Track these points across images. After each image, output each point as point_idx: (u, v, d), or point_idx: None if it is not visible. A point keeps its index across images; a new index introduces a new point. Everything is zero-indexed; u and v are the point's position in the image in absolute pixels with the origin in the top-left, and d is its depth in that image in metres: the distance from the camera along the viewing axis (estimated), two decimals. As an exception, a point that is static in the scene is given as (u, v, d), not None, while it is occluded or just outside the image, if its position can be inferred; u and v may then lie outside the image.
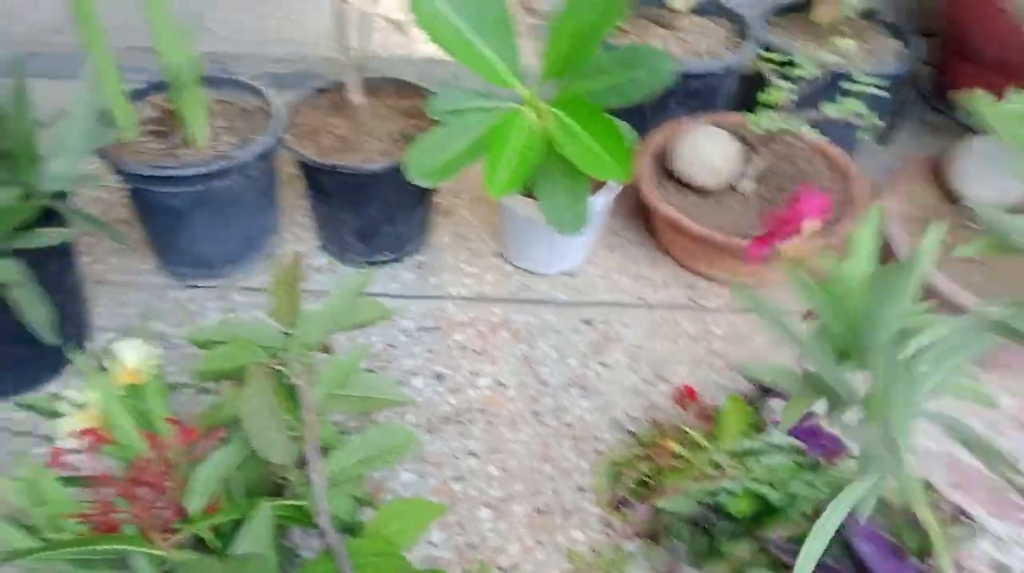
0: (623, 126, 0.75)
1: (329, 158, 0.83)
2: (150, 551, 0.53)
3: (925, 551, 0.60)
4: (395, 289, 0.93)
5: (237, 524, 0.58)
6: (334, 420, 0.80)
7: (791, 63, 0.85)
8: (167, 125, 0.85)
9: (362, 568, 0.59)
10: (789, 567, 0.54)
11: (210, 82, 0.89)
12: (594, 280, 0.98)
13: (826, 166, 1.02)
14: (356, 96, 0.89)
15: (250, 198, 0.87)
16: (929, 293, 0.85)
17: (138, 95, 0.87)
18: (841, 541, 0.60)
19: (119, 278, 0.93)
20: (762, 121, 0.87)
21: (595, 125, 0.69)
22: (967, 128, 1.07)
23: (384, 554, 0.61)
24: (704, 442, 0.70)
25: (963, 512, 0.69)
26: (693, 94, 1.02)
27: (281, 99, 0.90)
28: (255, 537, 0.56)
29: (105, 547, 0.52)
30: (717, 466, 0.66)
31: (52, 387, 0.80)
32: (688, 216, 0.90)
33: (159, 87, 0.88)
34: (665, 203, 0.92)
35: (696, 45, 1.07)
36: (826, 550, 0.55)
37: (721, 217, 0.94)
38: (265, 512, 0.57)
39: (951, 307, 0.82)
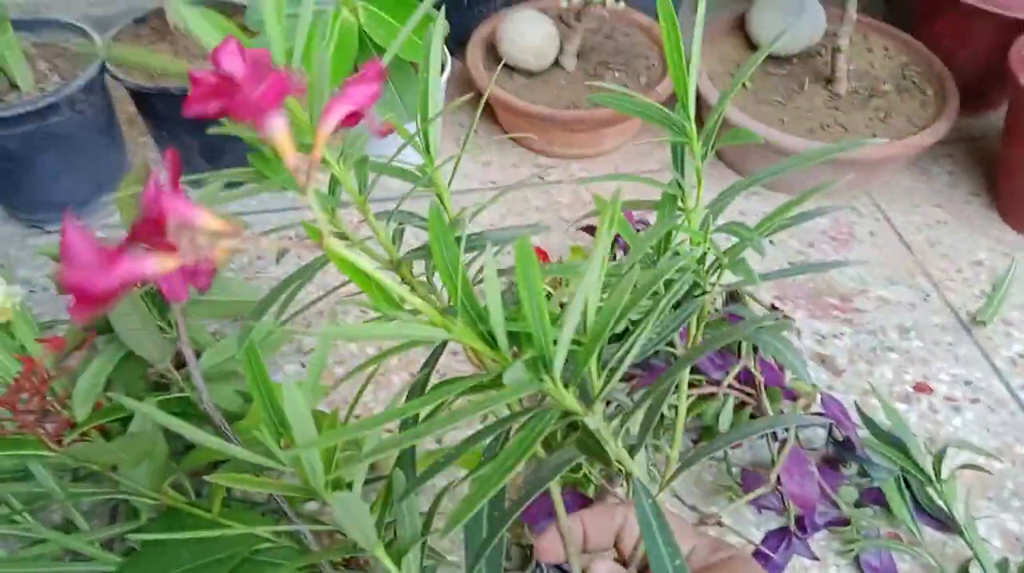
0: (431, 11, 0.80)
1: (158, 82, 0.84)
2: (46, 453, 0.58)
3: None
4: (254, 205, 0.97)
5: (125, 424, 0.63)
6: (211, 329, 0.84)
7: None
8: (-11, 73, 0.84)
9: (250, 445, 0.65)
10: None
11: (26, 26, 0.88)
12: (445, 171, 1.04)
13: (645, 37, 1.10)
14: (175, 20, 0.90)
15: (90, 138, 0.88)
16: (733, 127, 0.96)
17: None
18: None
19: (-27, 237, 0.93)
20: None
21: (404, 14, 0.74)
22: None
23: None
24: (551, 290, 0.78)
25: (775, 307, 0.80)
26: (509, -18, 1.07)
27: (104, 37, 0.90)
28: (142, 426, 0.61)
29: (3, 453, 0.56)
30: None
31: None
32: (517, 96, 0.97)
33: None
34: (496, 86, 0.98)
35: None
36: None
37: (548, 94, 1.01)
38: (148, 404, 0.62)
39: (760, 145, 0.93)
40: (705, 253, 0.46)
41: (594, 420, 0.34)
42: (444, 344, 0.45)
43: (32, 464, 0.60)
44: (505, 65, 1.03)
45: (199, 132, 0.90)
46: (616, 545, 0.43)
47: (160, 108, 0.88)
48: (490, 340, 0.31)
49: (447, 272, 0.32)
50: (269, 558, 0.58)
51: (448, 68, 0.95)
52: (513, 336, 0.31)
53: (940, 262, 0.94)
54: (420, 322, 0.28)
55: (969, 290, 0.91)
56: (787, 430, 0.65)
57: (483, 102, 0.60)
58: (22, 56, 0.83)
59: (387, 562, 0.45)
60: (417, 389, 0.46)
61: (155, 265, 0.22)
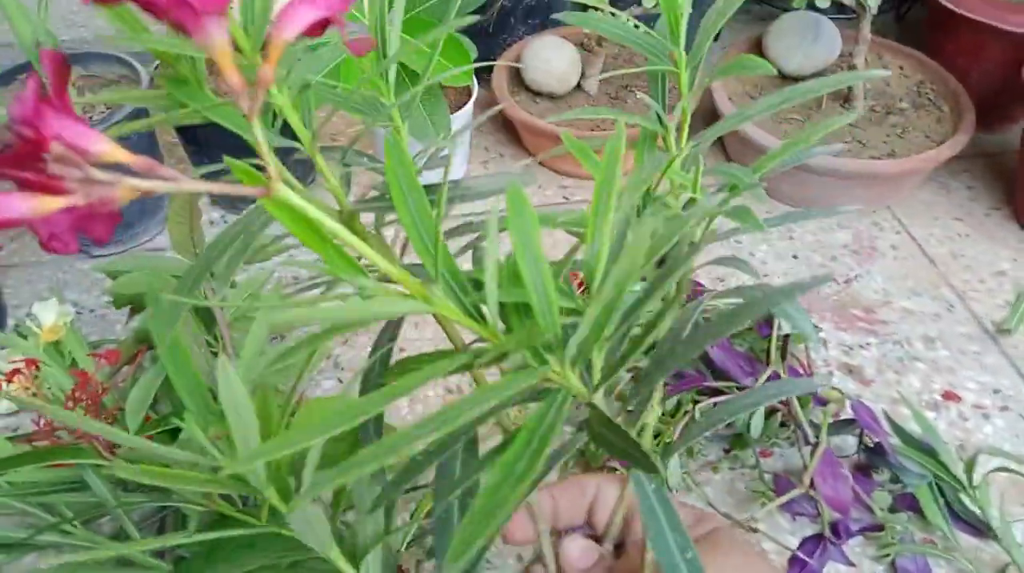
0: (462, 38, 0.83)
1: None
2: (100, 463, 0.60)
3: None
4: (289, 229, 1.00)
5: (173, 437, 0.65)
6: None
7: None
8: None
9: (295, 454, 0.67)
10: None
11: (75, 59, 0.92)
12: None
13: (663, 61, 1.13)
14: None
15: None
16: (748, 144, 0.98)
17: (5, 79, 0.90)
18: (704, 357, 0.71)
19: (24, 259, 0.96)
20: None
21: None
22: (783, 11, 1.20)
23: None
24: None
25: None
26: (531, 11, 1.11)
27: (148, 69, 0.94)
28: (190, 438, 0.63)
29: (59, 461, 0.58)
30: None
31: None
32: (541, 119, 1.00)
33: (23, 68, 0.91)
34: (519, 109, 1.01)
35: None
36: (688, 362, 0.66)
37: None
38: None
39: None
40: (693, 201, 0.41)
41: (605, 404, 0.28)
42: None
43: (87, 474, 0.62)
44: (529, 89, 1.06)
45: (241, 158, 0.93)
46: (589, 520, 0.39)
47: (200, 135, 0.91)
48: (476, 313, 0.26)
49: (414, 227, 0.26)
50: (319, 565, 0.59)
51: (474, 93, 0.99)
52: (501, 308, 0.26)
53: (963, 273, 0.95)
54: (389, 293, 0.23)
55: (993, 300, 0.92)
56: (819, 434, 0.66)
57: (492, 112, 0.62)
58: (70, 89, 0.87)
59: (343, 564, 0.42)
60: (376, 370, 0.39)
61: (27, 205, 0.16)
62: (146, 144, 0.94)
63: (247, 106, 0.19)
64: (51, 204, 0.16)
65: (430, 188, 0.36)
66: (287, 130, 0.35)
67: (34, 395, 0.67)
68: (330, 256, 0.24)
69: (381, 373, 0.39)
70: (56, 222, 0.17)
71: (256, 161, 0.36)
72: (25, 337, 0.76)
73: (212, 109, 0.33)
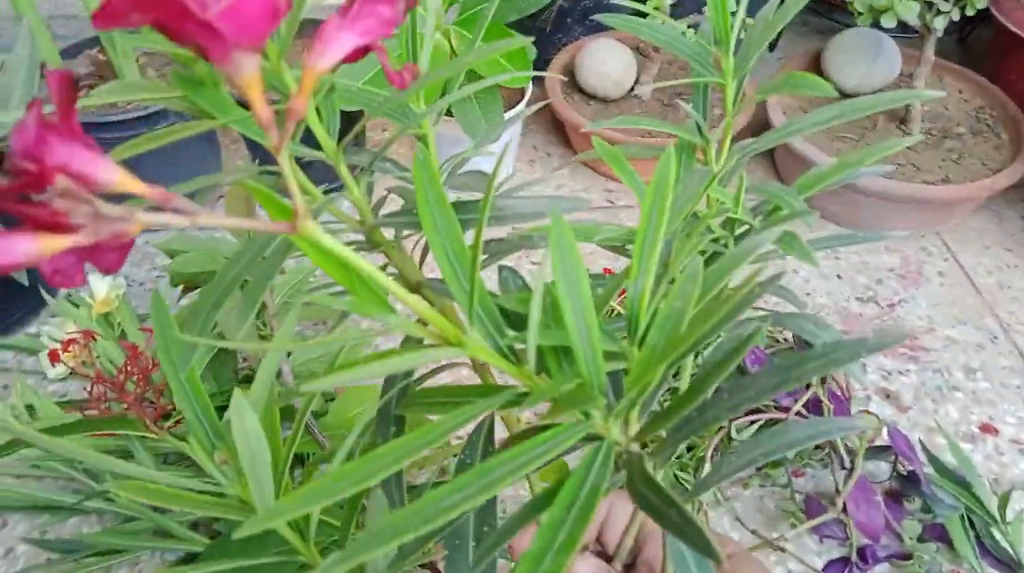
0: (520, 37, 0.84)
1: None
2: (147, 435, 0.62)
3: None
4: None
5: (219, 414, 0.67)
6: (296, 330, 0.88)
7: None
8: (102, 76, 0.90)
9: (332, 440, 0.69)
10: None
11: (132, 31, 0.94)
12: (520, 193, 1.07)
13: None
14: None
15: (191, 142, 0.94)
16: (800, 160, 0.97)
17: (71, 52, 0.92)
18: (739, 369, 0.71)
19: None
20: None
21: (493, 37, 0.78)
22: (845, 26, 1.18)
23: (348, 427, 0.71)
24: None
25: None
26: (588, 12, 1.11)
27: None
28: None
29: (107, 432, 0.60)
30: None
31: (31, 330, 0.87)
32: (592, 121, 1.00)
33: (92, 42, 0.93)
34: (568, 108, 1.01)
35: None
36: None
37: (625, 122, 1.04)
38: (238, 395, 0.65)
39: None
40: (733, 221, 0.39)
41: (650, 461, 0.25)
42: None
43: (133, 444, 0.64)
44: (583, 91, 1.06)
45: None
46: (599, 538, 0.38)
47: (257, 118, 0.93)
48: (511, 355, 0.24)
49: (443, 250, 0.24)
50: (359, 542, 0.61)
51: (528, 93, 0.99)
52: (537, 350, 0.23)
53: (1010, 305, 0.94)
54: (419, 331, 0.21)
55: (1039, 335, 0.90)
56: (854, 459, 0.66)
57: (530, 108, 0.63)
58: (135, 65, 0.89)
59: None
60: (393, 402, 0.36)
61: (30, 247, 0.14)
62: (204, 140, 0.96)
63: (275, 139, 0.17)
64: (56, 244, 0.14)
65: (465, 205, 0.35)
66: (310, 136, 0.33)
67: (84, 365, 0.69)
68: (358, 291, 0.22)
69: (399, 402, 0.36)
70: (61, 260, 0.15)
71: (318, 154, 0.36)
72: (77, 306, 0.79)
73: (236, 121, 0.31)
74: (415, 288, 0.40)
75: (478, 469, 0.20)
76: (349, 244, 0.37)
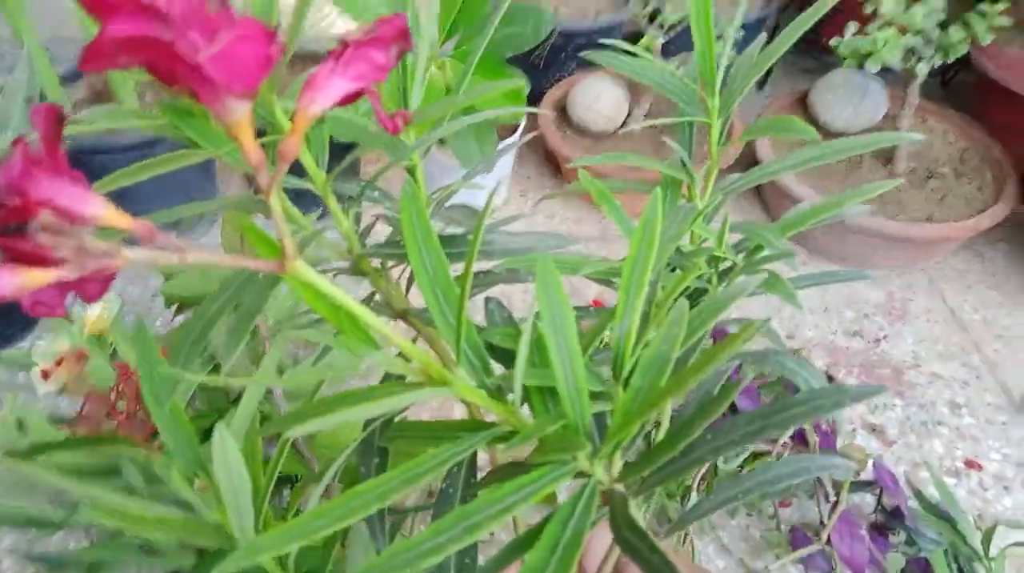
0: (514, 70, 0.86)
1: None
2: (135, 453, 0.62)
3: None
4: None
5: (207, 434, 0.67)
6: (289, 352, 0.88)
7: (659, 11, 0.97)
8: (100, 102, 0.92)
9: (320, 461, 0.69)
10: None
11: (139, 63, 0.96)
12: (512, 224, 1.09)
13: (708, 107, 1.15)
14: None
15: (187, 168, 0.95)
16: (786, 195, 0.99)
17: (71, 77, 0.94)
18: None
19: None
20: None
21: (488, 71, 0.79)
22: (832, 66, 1.21)
23: (338, 446, 0.71)
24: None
25: (830, 377, 0.82)
26: (581, 48, 1.13)
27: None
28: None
29: (97, 449, 0.61)
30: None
31: (24, 344, 0.87)
32: (584, 155, 1.02)
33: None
34: (559, 140, 1.03)
35: (584, 5, 1.19)
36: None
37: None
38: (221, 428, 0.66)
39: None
40: (717, 259, 0.39)
41: (637, 509, 0.25)
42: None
43: (123, 462, 0.64)
44: (575, 126, 1.08)
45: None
46: (579, 564, 0.36)
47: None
48: (497, 393, 0.24)
49: (429, 286, 0.24)
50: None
51: (522, 125, 1.01)
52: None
53: (995, 342, 0.95)
54: (404, 369, 0.21)
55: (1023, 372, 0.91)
56: (839, 492, 0.66)
57: (521, 136, 0.64)
58: (134, 92, 0.91)
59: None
60: (376, 436, 0.35)
61: (13, 282, 0.14)
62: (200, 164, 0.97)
63: (265, 182, 0.17)
64: (40, 278, 0.14)
65: (453, 239, 0.35)
66: (299, 165, 0.33)
67: (75, 382, 0.70)
68: (345, 327, 0.22)
69: (383, 434, 0.35)
70: (44, 292, 0.15)
71: (308, 185, 0.36)
72: (72, 322, 0.79)
73: (225, 153, 0.30)
74: (401, 314, 0.40)
75: (459, 512, 0.20)
76: (336, 271, 0.38)
